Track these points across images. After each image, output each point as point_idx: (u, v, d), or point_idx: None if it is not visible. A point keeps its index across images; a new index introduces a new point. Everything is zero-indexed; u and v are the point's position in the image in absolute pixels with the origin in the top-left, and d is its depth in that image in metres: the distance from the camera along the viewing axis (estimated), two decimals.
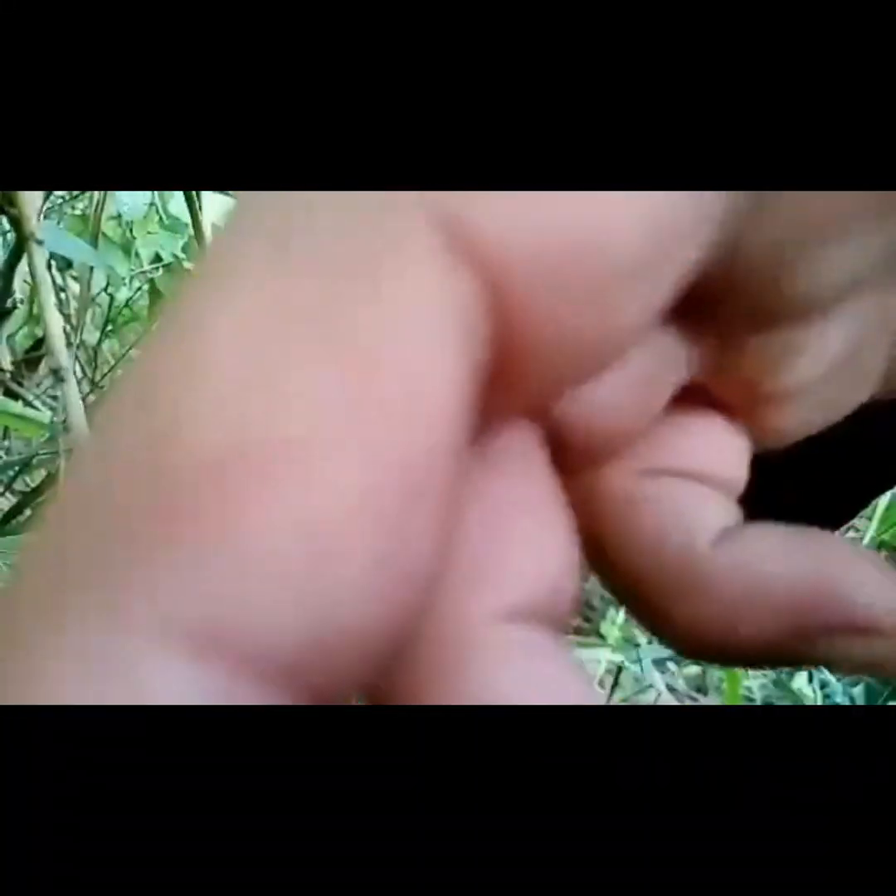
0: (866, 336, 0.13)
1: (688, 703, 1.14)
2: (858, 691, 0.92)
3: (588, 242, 0.10)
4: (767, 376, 0.13)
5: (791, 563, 0.13)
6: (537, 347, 0.10)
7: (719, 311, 0.12)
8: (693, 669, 1.15)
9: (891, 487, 0.22)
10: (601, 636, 1.09)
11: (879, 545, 1.05)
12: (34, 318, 1.11)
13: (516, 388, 0.10)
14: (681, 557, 0.13)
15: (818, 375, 0.13)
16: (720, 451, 0.14)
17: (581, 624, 1.18)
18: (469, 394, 0.10)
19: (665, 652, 0.99)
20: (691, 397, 0.14)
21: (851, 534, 1.03)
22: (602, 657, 1.06)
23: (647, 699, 1.07)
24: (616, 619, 1.08)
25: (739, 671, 1.00)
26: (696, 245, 0.10)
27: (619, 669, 1.02)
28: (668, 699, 1.12)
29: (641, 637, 1.04)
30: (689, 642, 0.14)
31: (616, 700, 1.06)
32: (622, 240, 0.10)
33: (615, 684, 1.03)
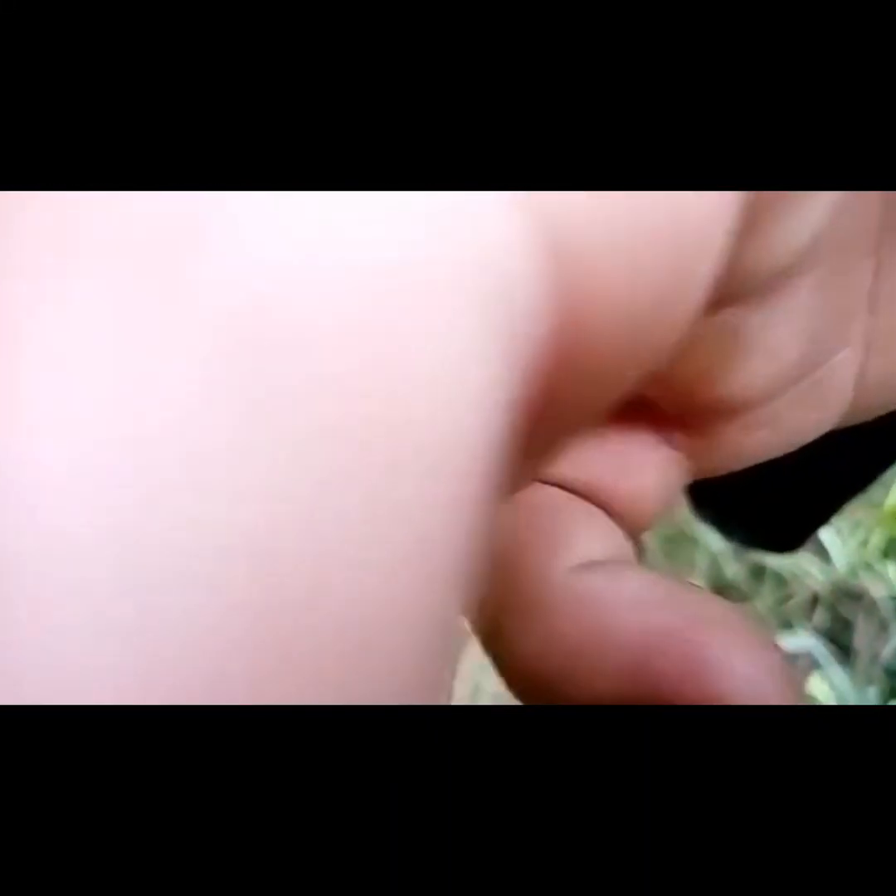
0: (825, 347, 0.12)
1: None
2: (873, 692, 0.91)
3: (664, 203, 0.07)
4: (713, 375, 0.11)
5: (652, 613, 0.11)
6: (608, 332, 0.07)
7: None
8: None
9: (842, 505, 0.22)
10: None
11: (890, 541, 1.03)
12: None
13: (569, 400, 0.07)
14: (535, 575, 0.12)
15: (770, 384, 0.12)
16: (633, 474, 0.12)
17: None
18: (508, 432, 0.06)
19: None
20: (622, 413, 0.12)
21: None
22: None
23: None
24: None
25: None
26: (736, 211, 0.08)
27: None
28: None
29: None
30: (522, 678, 0.12)
31: None
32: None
33: None
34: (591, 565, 0.12)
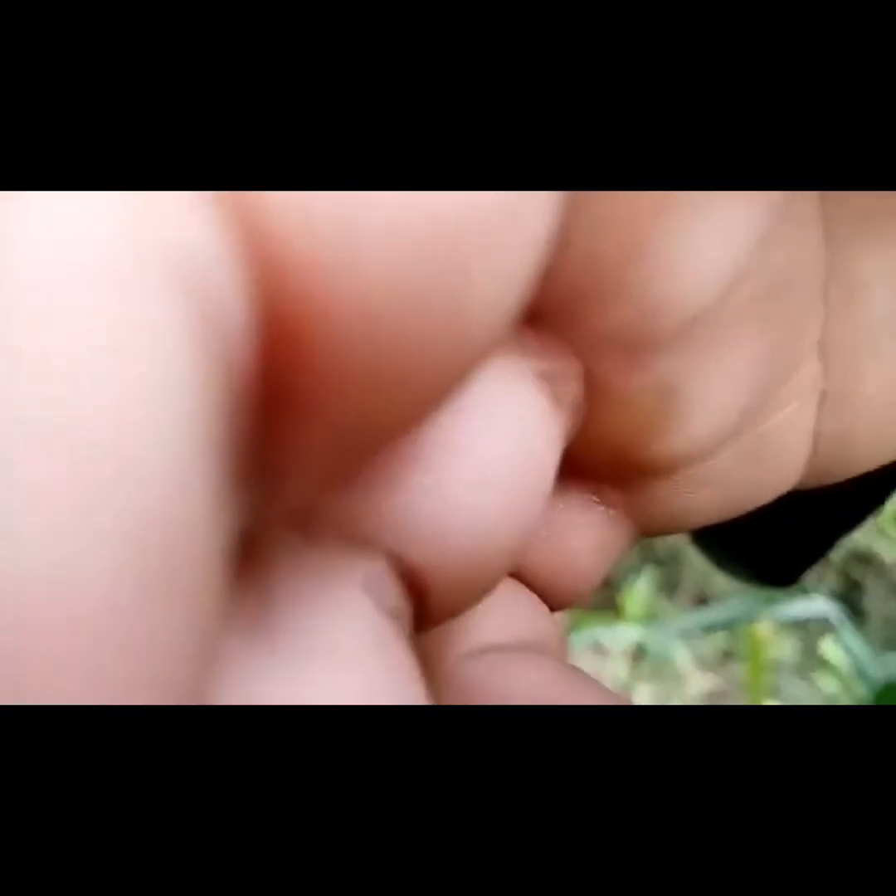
0: (769, 400, 0.11)
1: (710, 675, 1.13)
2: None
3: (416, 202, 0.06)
4: (648, 434, 0.10)
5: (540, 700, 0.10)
6: (345, 351, 0.06)
7: (578, 334, 0.09)
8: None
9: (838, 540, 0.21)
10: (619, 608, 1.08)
11: None
12: None
13: (314, 424, 0.07)
14: (430, 660, 0.10)
15: (710, 440, 0.11)
16: (560, 539, 0.11)
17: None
18: (217, 438, 0.06)
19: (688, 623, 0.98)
20: None
21: None
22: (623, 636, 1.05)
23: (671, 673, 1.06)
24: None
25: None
26: (545, 219, 0.07)
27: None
28: (691, 670, 1.11)
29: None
30: None
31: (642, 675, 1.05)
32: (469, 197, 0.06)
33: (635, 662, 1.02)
34: (489, 651, 0.10)
